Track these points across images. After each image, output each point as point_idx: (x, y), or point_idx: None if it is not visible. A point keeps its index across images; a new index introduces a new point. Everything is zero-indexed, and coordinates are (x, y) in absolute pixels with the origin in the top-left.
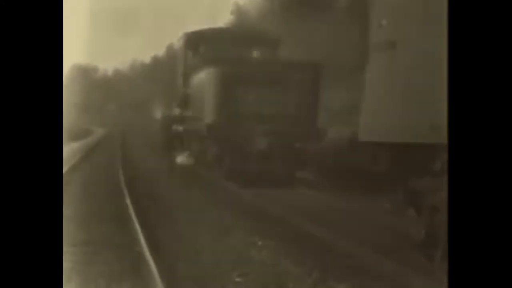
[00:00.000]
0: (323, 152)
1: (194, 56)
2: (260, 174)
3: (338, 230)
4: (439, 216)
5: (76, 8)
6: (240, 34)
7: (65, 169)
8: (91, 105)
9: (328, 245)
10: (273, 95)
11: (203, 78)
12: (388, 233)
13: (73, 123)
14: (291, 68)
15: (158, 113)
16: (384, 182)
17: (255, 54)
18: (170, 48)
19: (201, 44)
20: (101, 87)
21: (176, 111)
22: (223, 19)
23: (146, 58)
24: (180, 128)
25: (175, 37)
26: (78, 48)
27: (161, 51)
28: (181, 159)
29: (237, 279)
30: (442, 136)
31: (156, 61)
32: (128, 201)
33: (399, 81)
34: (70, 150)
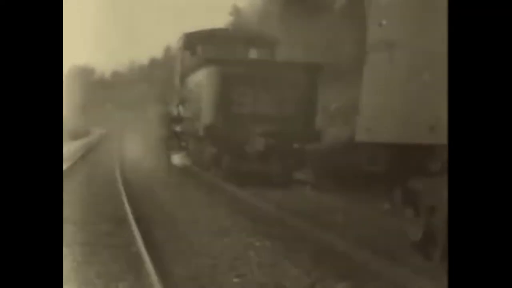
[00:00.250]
0: (321, 153)
1: (192, 56)
2: (258, 174)
3: (337, 230)
4: (437, 216)
5: (76, 8)
6: (238, 35)
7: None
8: (90, 105)
9: (326, 246)
10: (270, 96)
11: (201, 78)
12: (387, 233)
13: (72, 122)
14: (288, 69)
15: (156, 113)
16: (383, 183)
17: (253, 54)
18: (168, 50)
19: (199, 44)
20: (100, 87)
21: (174, 112)
22: (221, 20)
23: (145, 59)
24: (178, 128)
25: (174, 38)
26: (78, 48)
27: (159, 53)
28: (178, 159)
29: (235, 280)
30: (440, 137)
31: (153, 62)
32: (124, 199)
33: (398, 81)
34: (69, 150)
